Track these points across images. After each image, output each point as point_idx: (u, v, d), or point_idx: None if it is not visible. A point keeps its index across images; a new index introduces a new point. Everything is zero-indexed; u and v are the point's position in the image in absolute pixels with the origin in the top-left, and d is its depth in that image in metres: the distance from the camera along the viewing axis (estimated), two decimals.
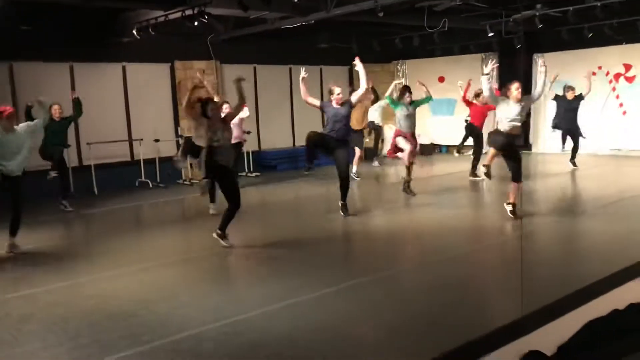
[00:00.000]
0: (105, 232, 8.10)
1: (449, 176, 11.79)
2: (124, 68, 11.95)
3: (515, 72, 15.17)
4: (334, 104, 7.91)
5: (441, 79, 16.06)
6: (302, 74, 7.80)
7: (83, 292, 5.45)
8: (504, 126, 7.31)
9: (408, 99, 9.22)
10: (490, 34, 12.82)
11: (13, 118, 6.79)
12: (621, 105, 12.89)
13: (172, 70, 12.56)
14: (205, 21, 8.63)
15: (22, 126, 6.95)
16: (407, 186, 9.47)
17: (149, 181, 11.92)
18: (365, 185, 11.42)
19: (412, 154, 9.23)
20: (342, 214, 8.06)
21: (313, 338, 4.26)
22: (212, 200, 8.52)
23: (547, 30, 12.67)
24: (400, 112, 9.17)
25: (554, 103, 11.74)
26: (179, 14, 8.79)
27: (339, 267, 6.10)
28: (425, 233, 7.41)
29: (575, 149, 11.37)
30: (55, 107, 8.99)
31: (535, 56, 14.25)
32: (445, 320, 4.45)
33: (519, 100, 7.28)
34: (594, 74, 13.58)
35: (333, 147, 7.81)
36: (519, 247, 6.52)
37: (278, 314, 4.69)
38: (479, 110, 10.89)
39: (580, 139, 11.23)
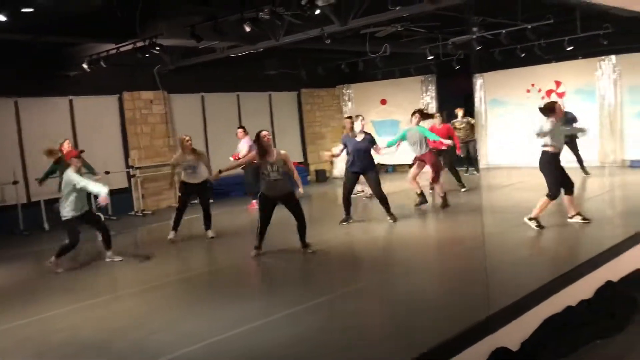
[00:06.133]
0: (63, 267, 7.97)
1: (398, 194, 12.14)
2: (70, 102, 11.82)
3: (453, 92, 15.94)
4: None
5: (383, 102, 16.65)
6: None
7: (52, 326, 5.40)
8: None
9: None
10: (430, 57, 13.43)
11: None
12: None
13: (121, 102, 12.51)
14: (157, 52, 8.72)
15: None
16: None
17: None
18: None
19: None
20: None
21: (290, 352, 4.40)
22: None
23: (483, 52, 13.40)
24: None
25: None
26: (130, 46, 8.83)
27: (306, 285, 6.27)
28: (385, 247, 7.70)
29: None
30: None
31: (474, 77, 14.98)
32: (416, 325, 4.70)
33: None
34: (527, 91, 14.50)
35: None
36: (474, 255, 6.87)
37: (253, 332, 4.80)
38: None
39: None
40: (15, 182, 10.69)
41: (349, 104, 17.28)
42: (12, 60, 10.14)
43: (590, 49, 12.88)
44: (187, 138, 8.87)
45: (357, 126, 8.45)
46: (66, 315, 5.68)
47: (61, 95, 11.65)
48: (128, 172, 12.50)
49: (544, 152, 7.38)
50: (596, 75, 13.66)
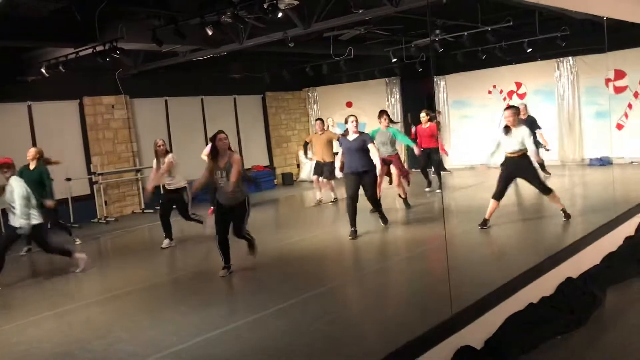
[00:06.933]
0: (19, 279, 7.69)
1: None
2: (29, 107, 11.53)
3: (418, 94, 16.13)
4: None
5: (349, 104, 16.73)
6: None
7: (9, 339, 5.24)
8: None
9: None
10: (393, 60, 13.56)
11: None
12: None
13: (81, 107, 12.27)
14: (118, 56, 8.58)
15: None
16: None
17: (62, 222, 11.46)
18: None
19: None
20: None
21: (255, 358, 4.37)
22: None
23: (445, 54, 13.58)
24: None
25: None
26: (90, 51, 8.67)
27: (271, 289, 6.21)
28: (350, 250, 7.70)
29: None
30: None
31: (436, 78, 15.20)
32: (381, 326, 4.72)
33: None
34: (489, 92, 14.77)
35: None
36: (439, 255, 6.95)
37: (218, 339, 4.75)
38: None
39: None
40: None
41: (315, 107, 17.31)
42: None
43: (549, 51, 13.22)
44: (160, 143, 8.59)
45: (351, 127, 8.24)
46: (24, 327, 5.52)
47: (19, 101, 11.36)
48: (90, 179, 12.27)
49: None
50: (555, 76, 14.01)
